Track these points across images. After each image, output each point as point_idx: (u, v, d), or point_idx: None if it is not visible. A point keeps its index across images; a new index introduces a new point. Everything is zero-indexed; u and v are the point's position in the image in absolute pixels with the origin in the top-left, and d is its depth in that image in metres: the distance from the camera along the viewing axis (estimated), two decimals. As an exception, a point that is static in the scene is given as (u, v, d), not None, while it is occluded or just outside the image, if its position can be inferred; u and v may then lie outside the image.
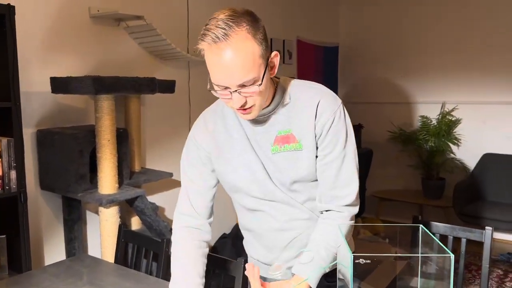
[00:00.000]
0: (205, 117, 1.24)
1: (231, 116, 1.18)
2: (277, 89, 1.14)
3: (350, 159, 1.13)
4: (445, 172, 4.10)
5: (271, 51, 1.07)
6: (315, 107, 1.11)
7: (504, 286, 3.14)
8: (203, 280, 1.18)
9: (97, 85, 2.01)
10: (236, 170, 1.17)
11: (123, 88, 2.14)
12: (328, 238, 1.12)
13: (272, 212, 1.20)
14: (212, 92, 1.06)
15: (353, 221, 1.16)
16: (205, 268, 1.21)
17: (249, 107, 1.05)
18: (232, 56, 0.98)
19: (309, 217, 1.19)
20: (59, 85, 2.16)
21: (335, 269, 1.19)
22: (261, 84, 1.02)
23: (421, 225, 1.01)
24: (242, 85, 1.01)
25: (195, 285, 1.14)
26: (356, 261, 0.87)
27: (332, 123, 1.10)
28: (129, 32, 2.71)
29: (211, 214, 1.27)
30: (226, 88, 1.02)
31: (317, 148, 1.12)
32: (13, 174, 1.87)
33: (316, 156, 1.13)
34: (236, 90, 1.01)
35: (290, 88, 1.16)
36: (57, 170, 2.22)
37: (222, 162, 1.19)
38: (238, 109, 1.06)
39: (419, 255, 1.00)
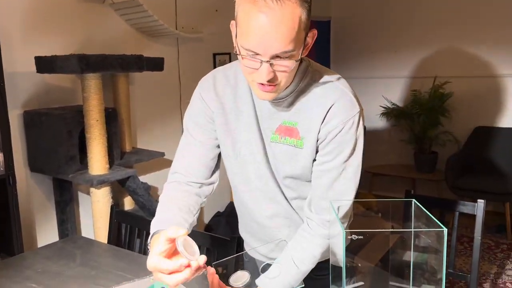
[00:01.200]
0: (215, 77, 1.11)
1: (243, 87, 1.06)
2: (297, 73, 1.00)
3: (350, 175, 1.03)
4: (437, 146, 4.12)
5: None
6: (326, 110, 0.98)
7: (495, 257, 3.19)
8: (189, 218, 1.02)
9: (82, 63, 1.96)
10: (236, 144, 1.09)
11: (110, 66, 2.09)
12: (303, 256, 1.04)
13: (254, 207, 1.15)
14: (238, 56, 0.91)
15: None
16: (193, 210, 1.05)
17: (274, 84, 0.92)
18: (279, 19, 0.83)
19: (289, 216, 1.13)
20: (44, 64, 2.10)
21: (324, 261, 1.14)
22: (298, 60, 0.90)
23: (413, 200, 1.00)
24: (276, 56, 0.87)
25: (174, 217, 0.99)
26: (349, 237, 0.86)
27: (339, 132, 0.99)
28: (115, 8, 2.63)
29: (211, 175, 1.14)
30: (257, 54, 0.87)
31: (317, 151, 1.02)
32: (0, 156, 1.84)
33: (314, 160, 1.03)
34: (268, 61, 0.87)
35: (311, 76, 1.02)
36: (46, 152, 2.18)
37: (223, 130, 1.10)
38: (261, 84, 0.92)
39: (412, 230, 1.00)
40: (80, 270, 1.43)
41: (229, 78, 1.09)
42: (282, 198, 1.11)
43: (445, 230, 0.84)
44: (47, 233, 2.40)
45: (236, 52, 0.91)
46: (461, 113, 4.14)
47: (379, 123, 4.53)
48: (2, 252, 1.92)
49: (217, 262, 1.05)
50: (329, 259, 1.17)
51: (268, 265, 1.09)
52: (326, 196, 1.04)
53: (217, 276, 0.96)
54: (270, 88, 0.92)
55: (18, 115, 2.23)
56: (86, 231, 2.57)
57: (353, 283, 1.22)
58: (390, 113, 4.31)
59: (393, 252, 1.41)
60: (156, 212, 1.03)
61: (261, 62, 0.87)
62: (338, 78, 1.03)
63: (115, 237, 1.89)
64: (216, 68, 1.15)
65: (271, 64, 0.88)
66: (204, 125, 1.12)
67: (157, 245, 0.82)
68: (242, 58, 0.90)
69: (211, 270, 0.96)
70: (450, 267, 1.70)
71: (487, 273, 2.95)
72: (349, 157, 1.02)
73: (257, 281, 1.04)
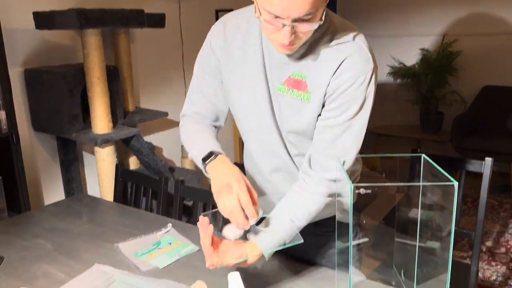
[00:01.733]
0: (226, 24, 1.08)
1: (254, 35, 1.03)
2: None
3: (354, 133, 0.98)
4: (444, 106, 4.07)
5: None
6: (338, 63, 0.94)
7: (498, 216, 3.21)
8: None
9: (81, 18, 1.90)
10: (242, 94, 1.06)
11: (109, 21, 2.03)
12: (298, 212, 1.01)
13: (257, 160, 1.12)
14: (259, 18, 0.89)
15: (330, 198, 1.03)
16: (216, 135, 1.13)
17: (295, 43, 0.91)
18: None
19: (292, 172, 1.10)
20: (42, 20, 2.04)
21: (329, 218, 1.14)
22: (321, 21, 0.86)
23: (423, 155, 0.99)
24: (300, 19, 0.85)
25: (216, 143, 1.06)
26: (356, 191, 0.84)
27: (349, 87, 0.94)
28: (114, -38, 2.53)
29: (218, 120, 1.16)
30: (278, 17, 0.85)
31: (323, 106, 0.98)
32: (2, 114, 1.82)
33: (319, 115, 1.00)
34: (290, 24, 0.85)
35: (327, 26, 0.97)
36: (48, 111, 2.16)
37: (230, 79, 1.07)
38: (280, 43, 0.90)
39: (420, 184, 0.98)
40: (87, 227, 1.44)
41: (240, 26, 1.06)
42: (285, 153, 1.09)
43: (456, 183, 0.82)
44: (53, 192, 2.42)
45: (255, 12, 0.89)
46: (469, 72, 4.05)
47: (386, 82, 4.45)
48: (9, 211, 1.93)
49: (211, 211, 1.03)
50: (334, 216, 1.17)
51: (263, 219, 1.07)
52: (327, 154, 1.00)
53: (211, 226, 0.94)
54: (290, 46, 0.91)
55: (18, 73, 2.20)
56: (92, 190, 2.59)
57: (358, 239, 1.22)
58: (397, 72, 4.22)
59: (398, 210, 1.41)
60: (195, 139, 1.08)
61: (283, 25, 0.86)
62: (356, 32, 0.98)
63: (121, 196, 1.90)
64: (228, 14, 1.11)
65: (293, 27, 0.86)
66: (211, 74, 1.11)
67: (243, 192, 0.92)
68: (264, 21, 0.88)
69: (204, 220, 0.94)
70: (455, 225, 1.71)
71: (490, 231, 2.97)
72: (356, 114, 0.97)
73: (249, 235, 1.02)
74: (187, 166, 3.02)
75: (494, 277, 2.46)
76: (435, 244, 1.11)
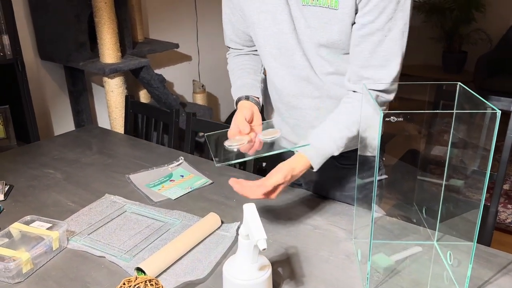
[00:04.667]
0: None
1: None
2: None
3: (396, 36, 0.88)
4: (468, 45, 3.87)
5: None
6: None
7: (516, 159, 3.14)
8: (258, 77, 1.11)
9: None
10: (259, 14, 0.98)
11: None
12: (349, 121, 0.93)
13: (280, 85, 1.05)
14: None
15: (384, 107, 0.97)
16: (257, 70, 1.13)
17: None
18: None
19: (319, 96, 1.03)
20: None
21: (351, 150, 1.09)
22: None
23: (459, 83, 0.89)
24: None
25: (247, 81, 1.09)
26: (387, 119, 0.76)
27: None
28: None
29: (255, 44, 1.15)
30: None
31: (356, 12, 0.89)
32: (5, 39, 1.73)
33: (354, 23, 0.90)
34: None
35: None
36: (55, 38, 2.08)
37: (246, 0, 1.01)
38: None
39: (454, 111, 0.90)
40: (96, 158, 1.41)
41: None
42: (312, 74, 1.00)
43: (499, 112, 0.73)
44: (63, 124, 2.38)
45: None
46: (497, 8, 3.81)
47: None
48: (19, 140, 1.91)
49: (215, 132, 1.02)
50: (357, 149, 1.10)
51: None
52: (368, 65, 0.92)
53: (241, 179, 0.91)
54: None
55: (22, -3, 2.08)
56: (102, 123, 2.55)
57: (381, 175, 1.17)
58: (421, 7, 3.98)
59: (421, 148, 1.35)
60: (231, 81, 1.13)
61: None
62: None
63: (131, 128, 1.85)
64: None
65: None
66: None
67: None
68: None
69: (232, 180, 0.92)
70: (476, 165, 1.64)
71: (508, 174, 2.93)
72: (395, 13, 0.86)
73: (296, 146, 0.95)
74: (199, 101, 2.95)
75: (509, 220, 2.45)
76: (458, 182, 1.06)
